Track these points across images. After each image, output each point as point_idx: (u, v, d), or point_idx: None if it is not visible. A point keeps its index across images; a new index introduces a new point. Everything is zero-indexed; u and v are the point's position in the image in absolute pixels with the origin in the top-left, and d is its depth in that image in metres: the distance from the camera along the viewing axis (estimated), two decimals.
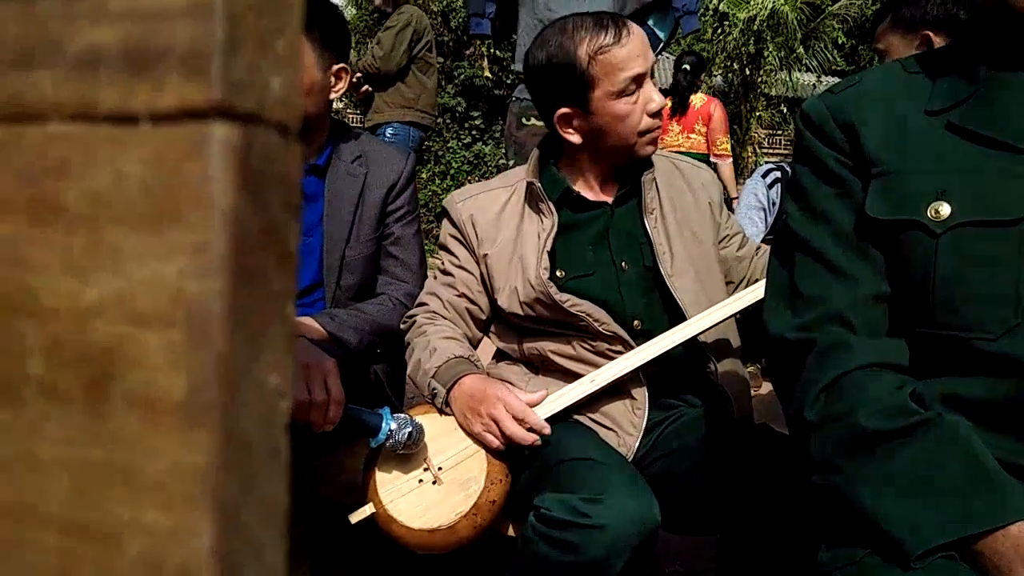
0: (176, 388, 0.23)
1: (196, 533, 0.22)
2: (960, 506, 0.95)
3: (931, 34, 2.42)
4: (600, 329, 1.65)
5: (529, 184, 1.77)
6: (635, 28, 1.68)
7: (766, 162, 4.05)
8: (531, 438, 1.56)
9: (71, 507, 0.24)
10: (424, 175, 14.07)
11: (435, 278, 1.90)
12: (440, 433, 1.64)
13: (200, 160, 0.23)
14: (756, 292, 1.70)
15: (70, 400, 0.25)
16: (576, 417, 1.69)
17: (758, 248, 1.95)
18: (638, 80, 1.66)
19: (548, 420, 1.62)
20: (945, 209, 1.04)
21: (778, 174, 3.98)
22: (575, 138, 1.73)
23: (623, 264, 1.74)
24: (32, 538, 0.25)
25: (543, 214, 1.75)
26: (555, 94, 1.70)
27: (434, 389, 1.66)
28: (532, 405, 1.62)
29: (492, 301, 1.82)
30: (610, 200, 1.79)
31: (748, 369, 1.87)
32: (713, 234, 1.83)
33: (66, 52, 0.25)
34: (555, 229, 1.71)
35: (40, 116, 0.25)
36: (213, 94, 0.23)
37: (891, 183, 1.10)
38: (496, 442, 1.58)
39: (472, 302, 1.82)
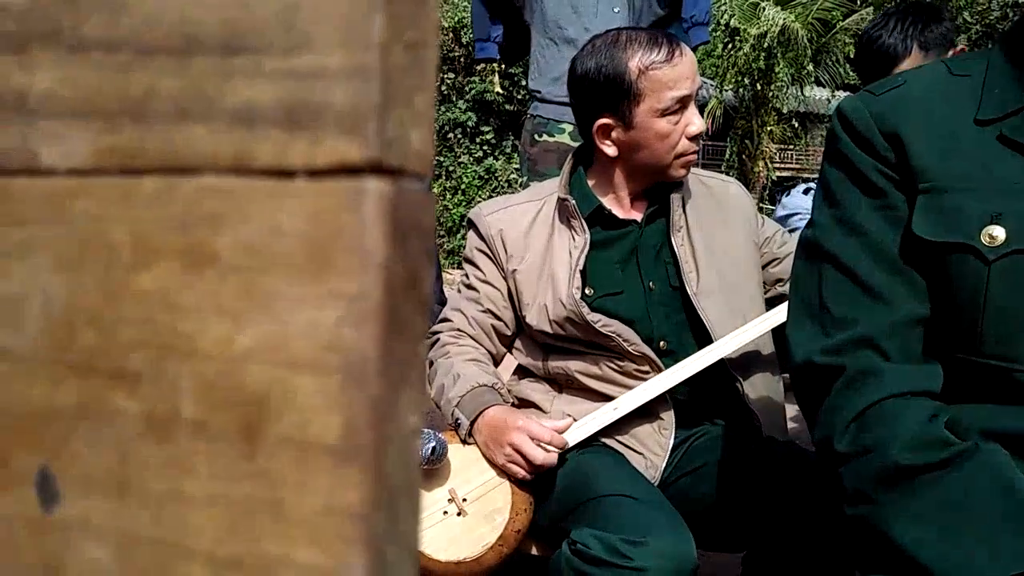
0: (330, 430, 0.24)
1: (348, 570, 0.23)
2: (1000, 543, 0.91)
3: (965, 47, 2.40)
4: (629, 349, 1.65)
5: (562, 200, 1.76)
6: (687, 50, 1.68)
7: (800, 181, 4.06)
8: (554, 457, 1.57)
9: (221, 543, 0.25)
10: (435, 190, 14.12)
11: (459, 292, 1.90)
12: (464, 464, 1.65)
13: (356, 213, 0.24)
14: (783, 313, 1.70)
15: (222, 440, 0.26)
16: (603, 440, 1.69)
17: None
18: (684, 101, 1.67)
19: (573, 447, 1.62)
20: (1000, 233, 0.98)
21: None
22: (611, 150, 1.73)
23: (651, 284, 1.73)
24: (182, 572, 0.26)
25: (575, 231, 1.74)
26: (599, 103, 1.70)
27: (458, 419, 1.66)
28: (557, 432, 1.62)
29: (518, 317, 1.81)
30: (639, 218, 1.78)
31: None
32: (748, 247, 1.81)
33: (222, 107, 0.26)
34: (587, 247, 1.71)
35: (195, 168, 0.26)
36: (369, 151, 0.24)
37: (941, 201, 1.02)
38: (521, 472, 1.58)
39: (497, 318, 1.82)
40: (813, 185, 4.01)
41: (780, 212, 4.05)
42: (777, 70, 14.63)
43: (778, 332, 1.81)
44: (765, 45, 14.38)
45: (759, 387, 1.74)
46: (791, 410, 1.90)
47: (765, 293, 1.85)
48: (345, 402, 0.24)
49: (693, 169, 1.82)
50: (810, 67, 15.03)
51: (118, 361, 0.27)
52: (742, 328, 1.68)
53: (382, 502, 0.24)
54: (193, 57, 0.26)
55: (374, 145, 0.24)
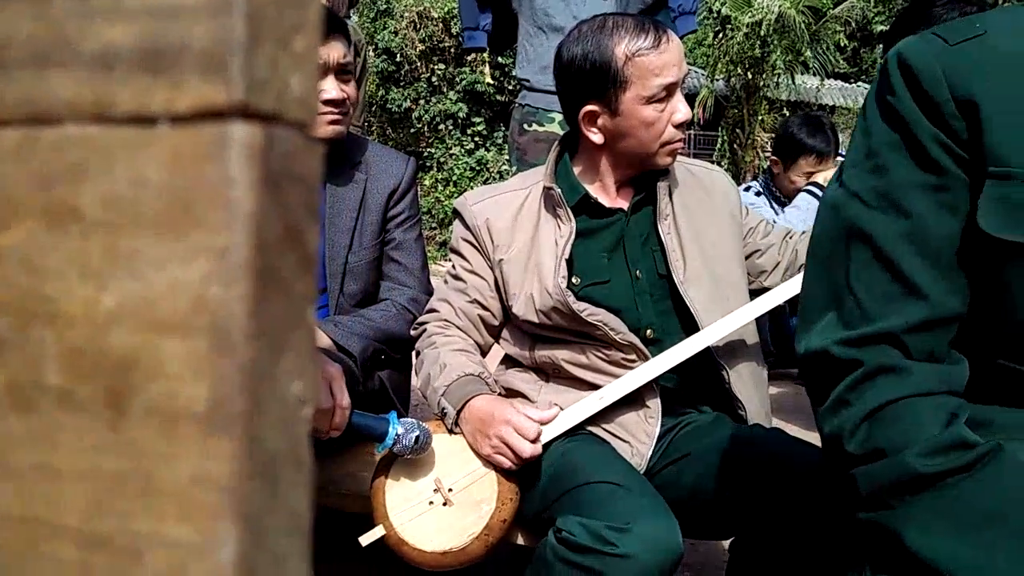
0: (198, 397, 0.23)
1: (219, 545, 0.22)
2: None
3: None
4: (616, 338, 1.64)
5: (547, 189, 1.75)
6: (674, 37, 1.66)
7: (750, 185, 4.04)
8: (540, 449, 1.57)
9: (89, 519, 0.24)
10: (427, 181, 14.09)
11: (446, 283, 1.89)
12: (450, 454, 1.64)
13: (220, 161, 0.22)
14: (767, 301, 1.69)
15: (88, 410, 0.24)
16: (589, 428, 1.68)
17: (789, 233, 1.92)
18: (670, 89, 1.65)
19: (560, 434, 1.62)
20: None
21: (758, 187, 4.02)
22: (597, 137, 1.71)
23: (637, 272, 1.72)
24: (48, 550, 0.24)
25: (560, 220, 1.73)
26: (585, 90, 1.68)
27: (444, 409, 1.65)
28: (544, 423, 1.61)
29: (505, 307, 1.80)
30: (625, 206, 1.77)
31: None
32: (732, 236, 1.80)
33: (81, 52, 0.24)
34: (573, 236, 1.70)
35: (55, 118, 0.24)
36: (233, 93, 0.22)
37: (1017, 193, 0.86)
38: (507, 463, 1.57)
39: (484, 308, 1.80)
40: (753, 185, 4.01)
41: None
42: (773, 58, 14.57)
43: (764, 320, 1.81)
44: (761, 33, 14.32)
45: (745, 375, 1.73)
46: (774, 398, 1.90)
47: (749, 284, 1.84)
48: (213, 367, 0.22)
49: (679, 157, 1.81)
50: (808, 53, 14.97)
51: None
52: (727, 317, 1.67)
53: (257, 473, 0.22)
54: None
55: (239, 87, 0.22)
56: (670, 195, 1.75)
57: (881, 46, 18.43)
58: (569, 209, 1.71)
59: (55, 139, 0.25)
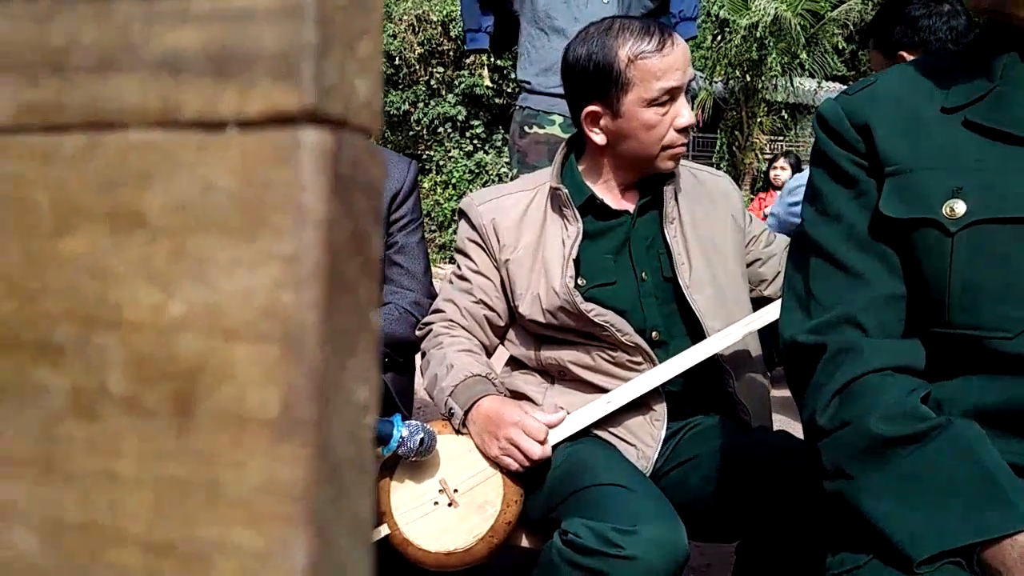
0: (269, 403, 0.22)
1: (289, 552, 0.22)
2: (966, 513, 0.93)
3: (905, 55, 2.44)
4: (622, 340, 1.64)
5: (555, 189, 1.75)
6: (680, 41, 1.67)
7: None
8: (548, 451, 1.57)
9: (155, 526, 0.24)
10: (426, 184, 14.08)
11: (451, 283, 1.88)
12: (455, 455, 1.64)
13: (291, 166, 0.22)
14: (777, 309, 1.69)
15: (153, 416, 0.24)
16: (595, 432, 1.68)
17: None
18: (672, 93, 1.65)
19: (567, 438, 1.62)
20: (960, 207, 1.02)
21: None
22: (600, 138, 1.72)
23: (643, 274, 1.72)
24: (113, 558, 0.24)
25: (567, 220, 1.73)
26: (588, 90, 1.69)
27: (451, 409, 1.65)
28: (551, 426, 1.61)
29: (511, 307, 1.80)
30: (631, 208, 1.77)
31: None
32: (735, 242, 1.81)
33: (147, 56, 0.24)
34: (580, 236, 1.70)
35: (119, 123, 0.24)
36: (304, 99, 0.22)
37: (906, 182, 1.08)
38: (514, 465, 1.57)
39: (490, 309, 1.80)
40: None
41: (792, 198, 3.92)
42: (770, 60, 14.58)
43: (767, 332, 1.81)
44: (757, 35, 14.33)
45: (748, 382, 1.74)
46: (779, 401, 1.90)
47: (749, 293, 1.84)
48: (283, 373, 0.22)
49: (684, 162, 1.81)
50: (804, 55, 14.98)
51: (41, 333, 0.25)
52: (736, 324, 1.67)
53: (325, 479, 0.22)
54: (115, 2, 0.25)
55: (310, 92, 0.22)
56: (676, 199, 1.76)
57: None
58: (576, 209, 1.71)
59: (119, 144, 0.24)
